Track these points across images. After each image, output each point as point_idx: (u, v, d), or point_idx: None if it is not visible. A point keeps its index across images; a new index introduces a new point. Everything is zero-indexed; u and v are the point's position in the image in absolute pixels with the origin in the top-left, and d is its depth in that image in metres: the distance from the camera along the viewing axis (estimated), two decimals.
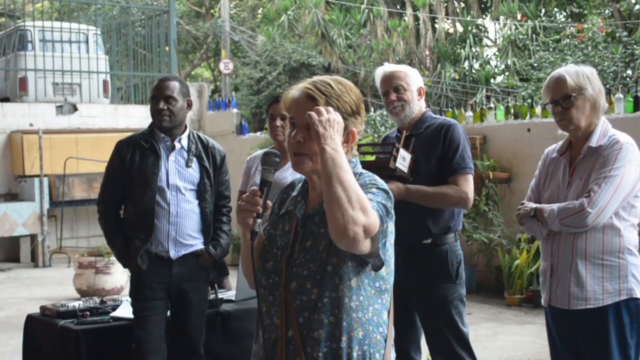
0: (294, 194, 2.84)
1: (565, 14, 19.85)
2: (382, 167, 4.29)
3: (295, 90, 2.72)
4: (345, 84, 2.73)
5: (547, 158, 4.08)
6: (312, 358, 2.60)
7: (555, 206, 3.79)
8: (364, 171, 2.75)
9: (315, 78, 2.73)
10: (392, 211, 2.66)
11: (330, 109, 2.59)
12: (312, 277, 2.61)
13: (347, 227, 2.44)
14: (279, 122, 5.00)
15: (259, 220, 2.66)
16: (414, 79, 4.63)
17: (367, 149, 4.68)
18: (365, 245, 2.51)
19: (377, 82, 4.74)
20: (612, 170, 3.68)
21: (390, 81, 4.62)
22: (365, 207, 2.48)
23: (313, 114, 2.56)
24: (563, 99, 3.80)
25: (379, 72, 4.71)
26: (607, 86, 11.12)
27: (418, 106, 4.64)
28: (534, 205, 3.93)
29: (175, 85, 4.93)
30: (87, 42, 15.67)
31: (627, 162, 3.70)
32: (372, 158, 4.55)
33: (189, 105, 5.02)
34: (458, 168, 4.50)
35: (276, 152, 2.74)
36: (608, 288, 3.75)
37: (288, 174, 4.89)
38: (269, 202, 2.71)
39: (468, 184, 4.51)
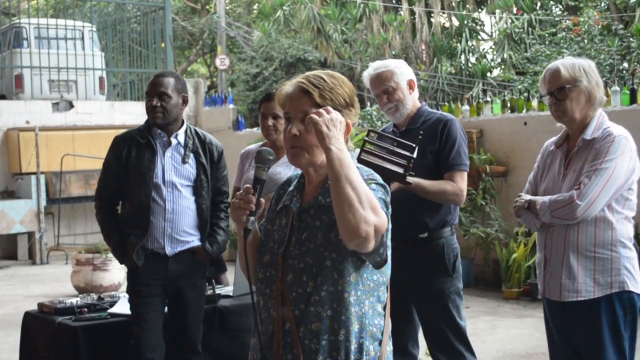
0: (290, 188, 2.87)
1: (561, 7, 19.83)
2: (396, 179, 4.23)
3: (288, 86, 2.75)
4: (337, 77, 2.76)
5: (545, 151, 4.10)
6: (311, 351, 2.61)
7: (546, 198, 3.81)
8: (359, 165, 2.76)
9: (308, 73, 2.77)
10: (390, 205, 2.68)
11: (330, 108, 2.61)
12: (308, 270, 2.62)
13: (359, 227, 2.46)
14: (270, 122, 4.97)
15: (252, 218, 2.69)
16: (402, 75, 4.59)
17: (372, 136, 4.64)
18: (372, 244, 2.53)
19: (366, 85, 4.71)
20: (603, 162, 3.69)
21: (378, 84, 4.60)
22: (375, 206, 2.50)
23: (314, 115, 2.58)
24: (557, 91, 3.81)
25: (366, 75, 4.68)
26: (604, 79, 11.12)
27: (411, 101, 4.63)
28: (528, 197, 3.94)
29: (169, 81, 4.91)
30: (82, 39, 15.66)
31: (619, 154, 3.71)
32: (374, 149, 4.49)
33: (185, 102, 4.99)
34: (454, 164, 4.51)
35: (269, 150, 2.78)
36: (600, 280, 3.76)
37: (282, 169, 4.89)
38: (262, 200, 2.73)
39: (463, 181, 4.52)
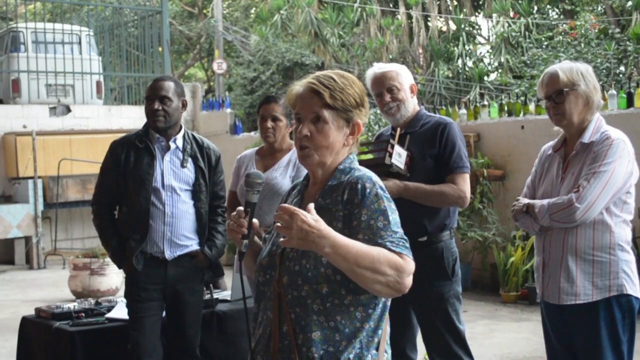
0: (295, 191, 2.90)
1: (557, 11, 19.86)
2: (378, 164, 4.30)
3: (298, 86, 2.76)
4: (347, 77, 2.77)
5: (543, 155, 4.11)
6: (307, 358, 2.59)
7: (545, 202, 3.81)
8: (360, 167, 2.77)
9: (319, 73, 2.77)
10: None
11: (286, 206, 2.49)
12: (304, 273, 2.61)
13: (400, 290, 2.54)
14: (269, 124, 4.98)
15: (245, 241, 2.72)
16: (405, 78, 4.63)
17: (363, 149, 4.69)
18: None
19: (368, 84, 4.70)
20: (601, 165, 3.70)
21: (382, 82, 4.61)
22: (398, 265, 2.52)
23: (285, 229, 2.46)
24: (556, 94, 3.82)
25: (370, 73, 4.70)
26: (601, 83, 11.12)
27: (412, 104, 4.65)
28: (527, 201, 3.95)
29: (170, 85, 4.92)
30: (79, 43, 15.64)
31: (617, 157, 3.71)
32: (370, 156, 4.55)
33: (184, 105, 5.00)
34: (455, 167, 4.51)
35: (258, 173, 2.78)
36: (598, 284, 3.76)
37: (278, 174, 4.91)
38: (256, 222, 2.74)
39: (465, 183, 4.52)
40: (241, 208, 2.71)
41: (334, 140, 2.71)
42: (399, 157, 4.42)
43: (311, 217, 2.46)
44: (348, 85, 2.73)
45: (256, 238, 2.84)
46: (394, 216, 2.63)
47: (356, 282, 2.53)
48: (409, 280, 2.54)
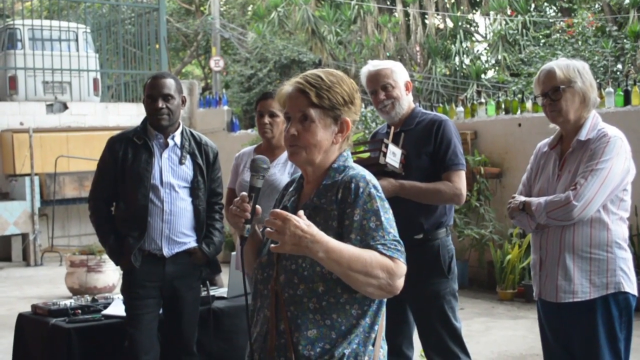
0: (291, 189, 2.90)
1: (555, 8, 19.86)
2: (372, 163, 4.29)
3: (288, 86, 2.78)
4: (336, 75, 2.77)
5: (538, 152, 4.10)
6: (303, 356, 2.60)
7: (542, 199, 3.81)
8: (354, 165, 2.77)
9: (308, 72, 2.78)
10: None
11: (278, 211, 2.49)
12: (300, 272, 2.62)
13: (392, 292, 2.57)
14: (267, 120, 4.98)
15: (248, 226, 2.71)
16: (400, 75, 4.62)
17: (359, 148, 4.69)
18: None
19: (363, 81, 4.70)
20: (599, 163, 3.69)
21: (377, 80, 4.60)
22: (389, 268, 2.55)
23: (277, 235, 2.46)
24: (552, 91, 3.82)
25: (364, 71, 4.70)
26: (598, 80, 11.13)
27: (407, 101, 4.64)
28: (523, 198, 3.94)
29: (171, 82, 4.89)
30: (77, 40, 15.62)
31: (614, 155, 3.71)
32: (366, 155, 4.55)
33: (183, 102, 4.99)
34: (451, 164, 4.50)
35: (264, 159, 2.78)
36: (595, 281, 3.76)
37: (277, 171, 4.90)
38: (259, 207, 2.73)
39: (461, 180, 4.51)
40: (245, 193, 2.71)
41: (322, 139, 2.72)
42: (393, 156, 4.42)
43: (304, 222, 2.47)
44: (336, 84, 2.73)
45: (257, 227, 2.83)
46: (387, 216, 2.63)
47: (349, 284, 2.55)
48: (400, 282, 2.57)
